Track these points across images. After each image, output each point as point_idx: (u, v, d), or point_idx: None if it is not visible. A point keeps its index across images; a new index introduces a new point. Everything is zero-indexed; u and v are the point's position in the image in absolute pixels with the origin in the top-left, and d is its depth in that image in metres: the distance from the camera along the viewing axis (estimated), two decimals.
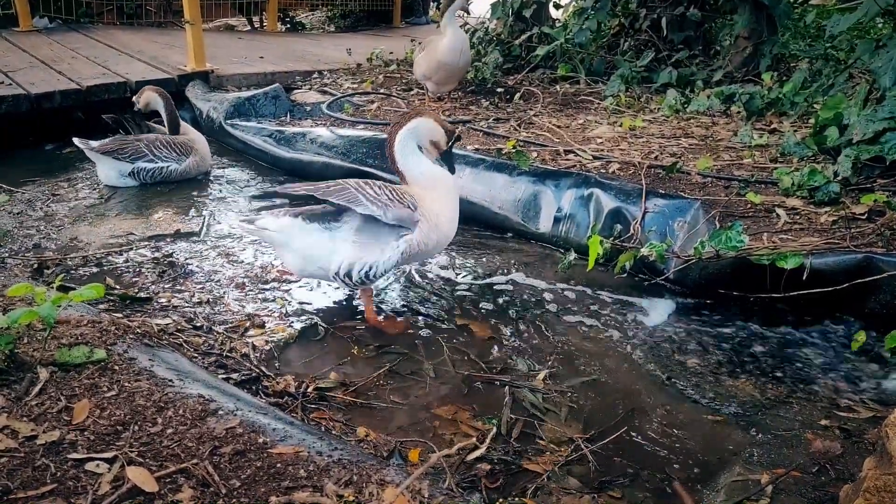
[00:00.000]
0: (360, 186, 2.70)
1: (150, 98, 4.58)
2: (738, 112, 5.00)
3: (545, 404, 2.36)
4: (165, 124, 4.63)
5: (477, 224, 3.96)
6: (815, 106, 4.68)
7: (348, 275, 2.75)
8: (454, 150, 2.94)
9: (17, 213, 3.92)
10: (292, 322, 2.83)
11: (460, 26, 5.48)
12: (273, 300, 3.01)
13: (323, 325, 2.82)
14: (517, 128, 4.77)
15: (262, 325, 2.78)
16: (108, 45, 7.30)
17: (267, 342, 2.66)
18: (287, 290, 3.10)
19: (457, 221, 2.93)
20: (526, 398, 2.39)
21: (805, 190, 3.31)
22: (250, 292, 3.07)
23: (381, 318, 2.90)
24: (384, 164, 4.45)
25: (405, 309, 3.03)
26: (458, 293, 3.17)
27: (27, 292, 1.97)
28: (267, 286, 3.13)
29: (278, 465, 1.62)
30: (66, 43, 7.30)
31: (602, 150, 4.13)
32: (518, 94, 5.69)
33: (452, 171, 2.96)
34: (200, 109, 5.67)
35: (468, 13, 6.04)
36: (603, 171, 3.80)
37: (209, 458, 1.61)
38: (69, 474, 1.52)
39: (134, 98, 4.67)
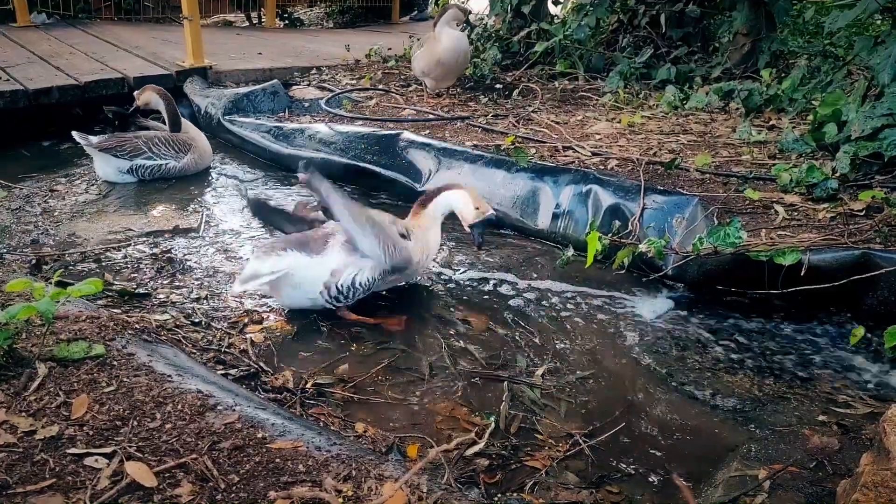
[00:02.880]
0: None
1: (150, 98, 4.59)
2: (737, 108, 5.00)
3: (543, 400, 2.37)
4: (167, 123, 4.63)
5: None
6: (813, 102, 4.68)
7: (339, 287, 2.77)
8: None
9: (16, 209, 3.91)
10: (291, 318, 2.83)
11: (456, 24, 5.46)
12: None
13: (321, 321, 2.82)
14: (516, 124, 4.77)
15: (261, 321, 2.78)
16: (107, 41, 7.28)
17: (265, 338, 2.66)
18: None
19: (436, 250, 3.11)
20: (524, 394, 2.39)
21: (803, 186, 3.31)
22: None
23: (373, 315, 2.91)
24: (382, 160, 4.45)
25: (403, 305, 3.03)
26: (457, 289, 3.17)
27: (26, 287, 1.97)
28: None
29: (277, 459, 1.62)
30: (64, 38, 7.27)
31: (600, 147, 4.13)
32: (517, 91, 5.69)
33: (479, 246, 3.10)
34: (198, 105, 5.66)
35: (469, 23, 5.96)
36: (601, 167, 3.80)
37: (208, 453, 1.61)
38: (68, 469, 1.52)
39: (135, 94, 4.67)
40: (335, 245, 2.77)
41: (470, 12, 5.27)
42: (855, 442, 2.08)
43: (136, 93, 4.67)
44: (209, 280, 3.13)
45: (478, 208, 2.97)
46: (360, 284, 2.78)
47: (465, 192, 3.00)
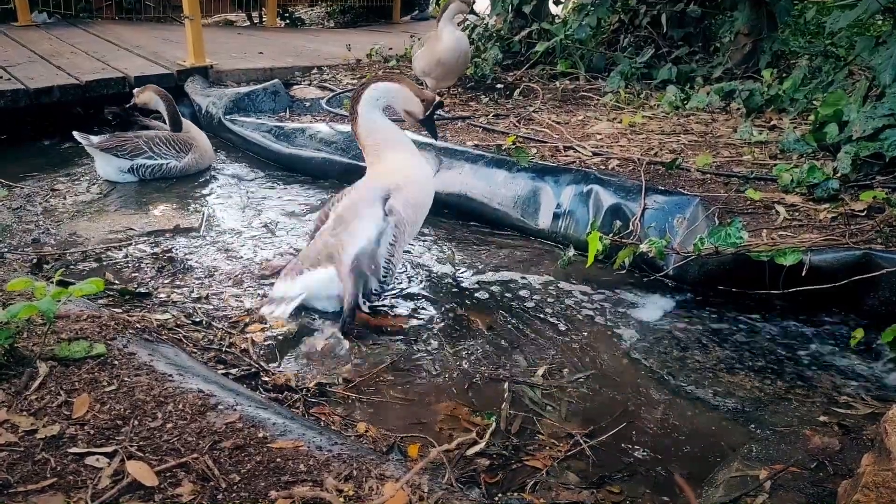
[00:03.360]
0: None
1: (149, 98, 4.59)
2: (738, 109, 4.99)
3: (544, 400, 2.37)
4: (167, 123, 4.64)
5: (476, 220, 3.96)
6: (814, 103, 4.68)
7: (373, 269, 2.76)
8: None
9: (17, 209, 3.92)
10: (291, 317, 2.83)
11: (458, 23, 5.45)
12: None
13: (322, 320, 2.82)
14: (517, 124, 4.77)
15: (262, 321, 2.78)
16: (108, 41, 7.28)
17: (266, 337, 2.66)
18: None
19: (430, 179, 2.89)
20: (525, 394, 2.39)
21: (804, 186, 3.31)
22: (249, 288, 3.07)
23: (374, 314, 2.90)
24: None
25: (405, 305, 3.03)
26: (458, 289, 3.17)
27: (27, 287, 1.97)
28: (266, 281, 3.12)
29: (278, 459, 1.62)
30: (65, 38, 7.28)
31: (601, 147, 4.13)
32: (518, 90, 5.68)
33: (434, 136, 2.95)
34: (199, 105, 5.66)
35: (475, 14, 5.96)
36: (602, 167, 3.80)
37: (209, 453, 1.61)
38: (69, 468, 1.52)
39: (135, 91, 4.67)
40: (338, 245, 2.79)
41: (474, 1, 5.27)
42: (856, 442, 2.08)
43: (135, 90, 4.68)
44: (210, 279, 3.13)
45: (423, 100, 2.72)
46: (387, 261, 2.77)
47: (401, 86, 2.71)
